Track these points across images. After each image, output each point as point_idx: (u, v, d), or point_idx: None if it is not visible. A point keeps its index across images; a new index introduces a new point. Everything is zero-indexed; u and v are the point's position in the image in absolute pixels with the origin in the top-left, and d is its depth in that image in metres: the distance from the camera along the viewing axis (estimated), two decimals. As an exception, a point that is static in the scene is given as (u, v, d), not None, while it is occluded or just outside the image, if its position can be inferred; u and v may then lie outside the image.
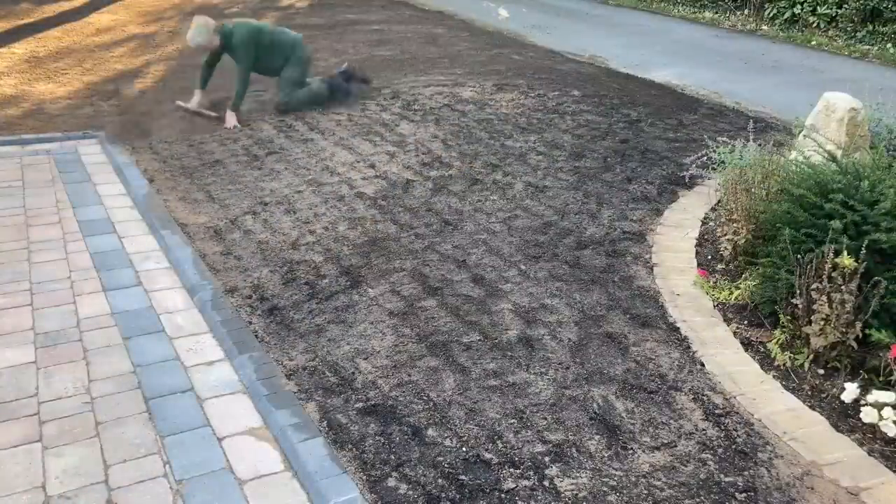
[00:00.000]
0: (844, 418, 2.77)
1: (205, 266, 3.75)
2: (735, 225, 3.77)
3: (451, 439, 2.59)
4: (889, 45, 9.91)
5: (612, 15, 12.67)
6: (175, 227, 4.17)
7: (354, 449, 2.53)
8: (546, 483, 2.40)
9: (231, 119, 5.97)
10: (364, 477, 2.41)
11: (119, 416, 2.68)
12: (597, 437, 2.62)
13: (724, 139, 4.43)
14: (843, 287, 2.87)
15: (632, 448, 2.58)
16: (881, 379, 2.90)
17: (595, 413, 2.75)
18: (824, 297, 2.89)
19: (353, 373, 2.95)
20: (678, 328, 3.31)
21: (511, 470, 2.46)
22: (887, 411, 2.64)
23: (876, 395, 2.70)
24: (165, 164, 5.16)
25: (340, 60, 6.87)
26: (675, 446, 2.59)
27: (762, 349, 3.18)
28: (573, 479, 2.43)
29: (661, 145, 5.73)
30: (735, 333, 3.29)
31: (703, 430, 2.68)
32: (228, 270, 3.74)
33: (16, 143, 5.39)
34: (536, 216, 4.41)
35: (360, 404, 2.76)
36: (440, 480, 2.40)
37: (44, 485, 2.36)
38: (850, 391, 2.81)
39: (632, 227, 4.32)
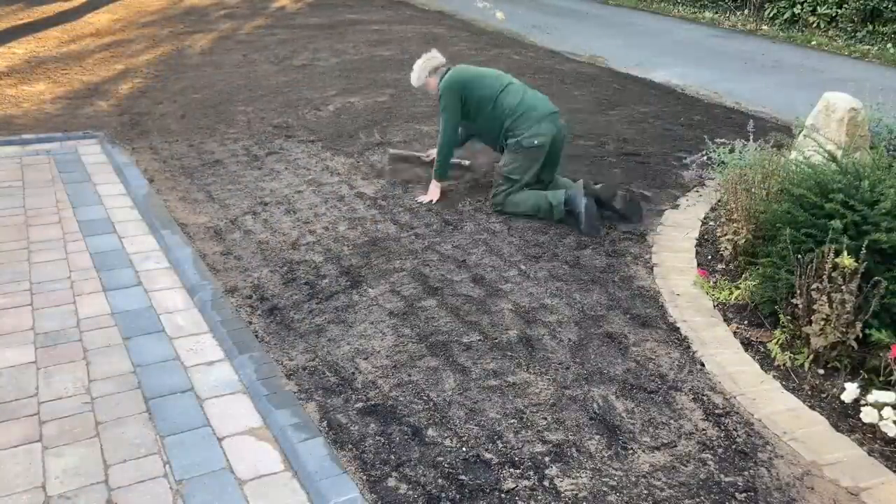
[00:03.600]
0: (844, 418, 2.77)
1: (205, 266, 3.75)
2: (735, 225, 3.77)
3: (451, 439, 2.59)
4: (889, 45, 9.91)
5: (612, 15, 12.67)
6: (175, 227, 4.17)
7: (354, 449, 2.53)
8: (546, 483, 2.40)
9: (432, 191, 4.59)
10: (364, 477, 2.41)
11: (119, 416, 2.68)
12: (597, 437, 2.62)
13: (724, 139, 4.43)
14: (843, 287, 2.87)
15: (632, 448, 2.58)
16: (881, 379, 2.90)
17: (595, 413, 2.75)
18: (824, 297, 2.89)
19: (353, 373, 2.94)
20: (678, 328, 3.32)
21: (511, 470, 2.46)
22: (887, 411, 2.64)
23: (876, 395, 2.70)
24: (165, 164, 5.16)
25: (601, 179, 4.62)
26: (675, 446, 2.59)
27: (762, 349, 3.18)
28: (573, 479, 2.43)
29: (661, 145, 5.74)
30: (735, 333, 3.29)
31: (703, 430, 2.68)
32: (228, 270, 3.74)
33: (16, 143, 5.39)
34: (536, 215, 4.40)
35: (360, 404, 2.76)
36: (440, 480, 2.40)
37: (44, 485, 2.35)
38: (850, 391, 2.81)
39: (632, 226, 4.32)
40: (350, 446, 2.54)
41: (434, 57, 4.64)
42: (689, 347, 3.17)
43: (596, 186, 4.28)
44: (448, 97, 4.41)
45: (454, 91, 4.40)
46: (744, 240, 3.70)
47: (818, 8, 11.03)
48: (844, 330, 2.91)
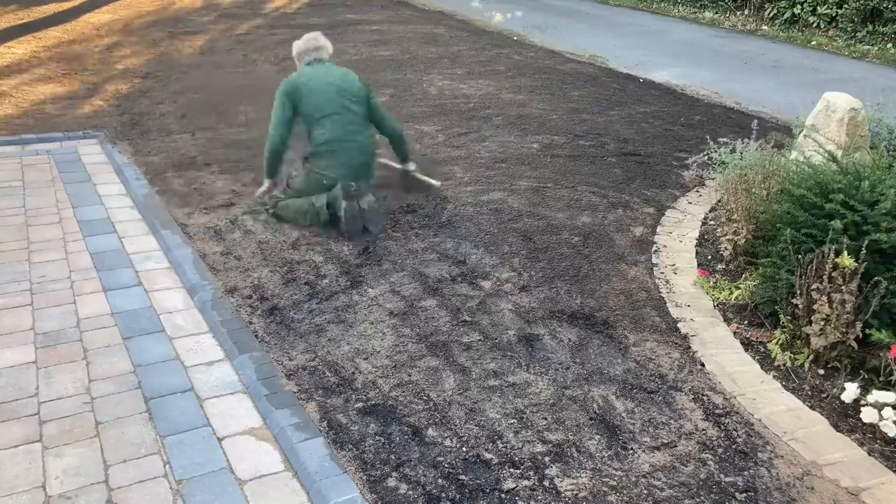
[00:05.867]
0: (844, 418, 2.77)
1: (205, 266, 3.75)
2: (735, 225, 3.78)
3: (451, 439, 2.59)
4: (889, 45, 9.91)
5: (612, 15, 12.67)
6: (175, 227, 4.17)
7: (354, 449, 2.53)
8: (546, 483, 2.40)
9: (264, 187, 4.53)
10: (364, 477, 2.41)
11: (119, 416, 2.68)
12: (597, 437, 2.62)
13: (725, 139, 4.44)
14: (843, 287, 2.87)
15: (632, 448, 2.57)
16: (881, 379, 2.90)
17: (595, 413, 2.75)
18: (824, 297, 2.89)
19: (353, 373, 2.94)
20: (678, 328, 3.32)
21: (511, 470, 2.46)
22: (887, 411, 2.64)
23: (876, 395, 2.70)
24: (166, 163, 5.15)
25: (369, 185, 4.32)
26: (675, 446, 2.59)
27: (762, 349, 3.18)
28: (573, 479, 2.43)
29: (661, 145, 5.74)
30: (735, 333, 3.29)
31: (704, 430, 2.68)
32: (228, 270, 3.74)
33: (16, 143, 5.39)
34: (537, 216, 4.41)
35: (360, 404, 2.76)
36: (440, 480, 2.40)
37: (44, 485, 2.35)
38: (851, 391, 2.81)
39: (632, 226, 4.32)
40: (350, 446, 2.54)
41: (312, 39, 4.58)
42: (689, 347, 3.17)
43: (356, 188, 4.10)
44: (279, 96, 4.34)
45: (286, 94, 4.32)
46: (744, 240, 3.70)
47: (818, 8, 11.04)
48: (844, 330, 2.91)
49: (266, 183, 4.49)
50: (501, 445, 2.56)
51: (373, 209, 4.13)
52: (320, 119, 4.26)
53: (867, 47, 9.97)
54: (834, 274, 2.89)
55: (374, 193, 4.28)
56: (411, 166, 4.81)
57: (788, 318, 3.15)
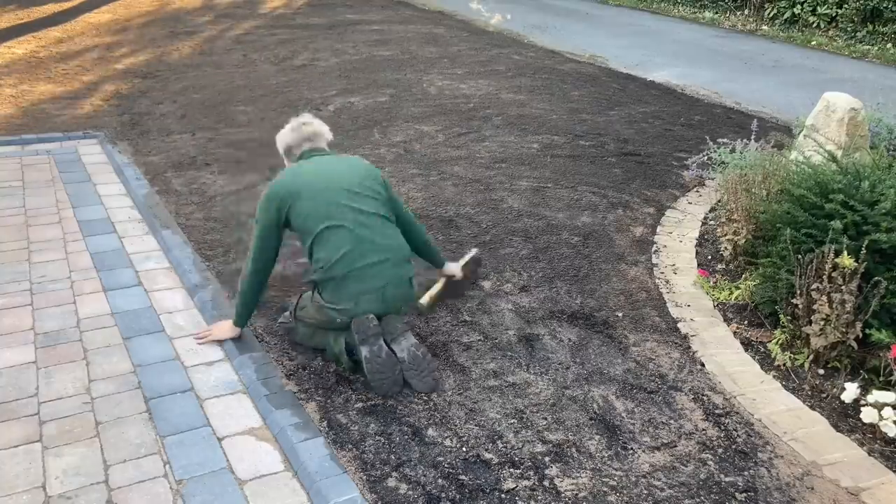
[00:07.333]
0: (844, 418, 2.77)
1: (205, 266, 3.75)
2: (735, 225, 3.78)
3: (451, 439, 2.59)
4: (889, 45, 9.92)
5: (612, 15, 12.68)
6: (175, 226, 4.17)
7: (354, 449, 2.53)
8: (546, 483, 2.40)
9: (221, 330, 3.15)
10: (364, 477, 2.41)
11: (119, 416, 2.67)
12: (597, 437, 2.62)
13: (725, 139, 4.44)
14: (843, 287, 2.87)
15: (632, 448, 2.58)
16: (881, 379, 2.90)
17: (595, 413, 2.75)
18: (824, 297, 2.89)
19: (353, 373, 2.94)
20: (678, 328, 3.32)
21: (511, 470, 2.46)
22: (887, 411, 2.64)
23: (876, 395, 2.70)
24: (166, 163, 5.15)
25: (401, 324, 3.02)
26: (675, 446, 2.59)
27: (762, 349, 3.18)
28: (573, 479, 2.43)
29: (661, 145, 5.74)
30: (735, 333, 3.29)
31: (704, 430, 2.68)
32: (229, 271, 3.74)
33: (16, 143, 5.39)
34: (537, 216, 4.41)
35: (360, 404, 2.76)
36: (440, 480, 2.40)
37: (44, 485, 2.35)
38: (851, 391, 2.81)
39: (632, 226, 4.32)
40: (350, 446, 2.54)
41: (304, 124, 3.21)
42: (689, 347, 3.17)
43: (376, 323, 2.90)
44: (265, 209, 2.97)
45: (274, 205, 2.95)
46: (744, 240, 3.71)
47: (818, 8, 11.04)
48: (844, 330, 2.91)
49: (231, 331, 3.12)
50: (501, 445, 2.56)
51: (415, 358, 2.88)
52: (322, 233, 2.91)
53: (867, 47, 9.98)
54: (834, 274, 2.89)
55: (413, 330, 3.13)
56: (454, 267, 3.46)
57: (788, 318, 3.15)
